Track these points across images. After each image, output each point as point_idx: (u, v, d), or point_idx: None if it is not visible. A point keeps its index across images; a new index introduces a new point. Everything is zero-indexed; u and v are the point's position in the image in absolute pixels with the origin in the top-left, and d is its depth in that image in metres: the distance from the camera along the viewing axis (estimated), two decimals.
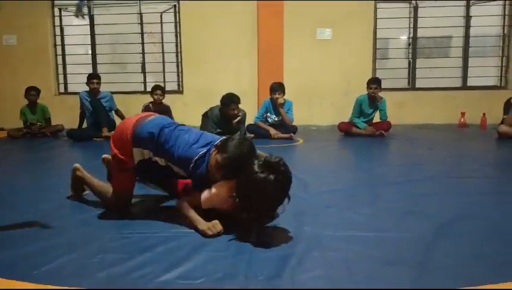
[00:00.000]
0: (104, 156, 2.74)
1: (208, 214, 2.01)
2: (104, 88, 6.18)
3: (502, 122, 5.46)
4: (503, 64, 7.32)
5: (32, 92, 6.22)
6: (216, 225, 1.93)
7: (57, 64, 7.71)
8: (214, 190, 2.00)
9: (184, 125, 2.28)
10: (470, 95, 7.25)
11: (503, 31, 7.27)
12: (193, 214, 2.00)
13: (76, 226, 2.14)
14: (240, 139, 2.03)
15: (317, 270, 1.57)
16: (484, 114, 6.68)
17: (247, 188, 1.85)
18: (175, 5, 7.41)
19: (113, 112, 6.16)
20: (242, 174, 1.88)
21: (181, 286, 1.45)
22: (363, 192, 2.81)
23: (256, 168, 1.83)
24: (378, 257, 1.69)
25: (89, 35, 7.61)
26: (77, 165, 2.57)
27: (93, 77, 5.95)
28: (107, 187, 2.41)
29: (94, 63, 7.68)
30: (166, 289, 1.44)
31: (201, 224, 1.95)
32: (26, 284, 1.47)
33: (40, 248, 1.80)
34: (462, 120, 6.88)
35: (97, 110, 5.85)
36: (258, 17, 7.12)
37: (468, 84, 7.41)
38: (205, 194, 2.01)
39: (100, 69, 7.57)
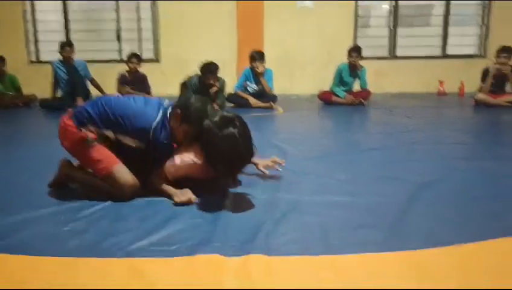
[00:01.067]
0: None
1: (180, 184, 1.99)
2: (78, 56, 5.96)
3: (479, 90, 5.53)
4: (483, 33, 7.35)
5: None
6: (186, 193, 1.91)
7: (27, 32, 7.38)
8: (180, 159, 1.96)
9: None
10: (449, 64, 7.29)
11: None
12: (164, 186, 1.97)
13: (46, 195, 2.07)
14: (200, 102, 1.98)
15: (291, 234, 1.58)
16: (462, 82, 6.75)
17: (210, 147, 1.83)
18: None
19: (87, 81, 5.97)
20: (203, 136, 1.85)
21: (154, 253, 1.44)
22: (340, 159, 2.82)
23: (214, 126, 1.81)
24: (352, 220, 1.71)
25: (61, 1, 7.28)
26: (65, 159, 2.15)
27: (66, 45, 5.72)
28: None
29: (67, 30, 7.38)
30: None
31: (174, 193, 1.93)
32: None
33: (11, 221, 1.75)
34: (440, 88, 6.95)
35: (72, 79, 5.65)
36: None
37: (447, 53, 7.43)
38: (172, 165, 1.98)
39: (74, 36, 7.29)
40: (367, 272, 1.32)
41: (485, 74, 5.51)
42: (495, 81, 5.41)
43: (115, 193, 1.94)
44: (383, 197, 1.98)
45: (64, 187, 2.14)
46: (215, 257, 1.40)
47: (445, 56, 7.42)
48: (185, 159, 1.96)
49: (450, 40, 7.41)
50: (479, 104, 5.39)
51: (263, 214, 1.77)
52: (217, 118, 1.84)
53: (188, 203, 1.88)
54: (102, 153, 1.97)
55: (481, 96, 5.42)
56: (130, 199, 1.95)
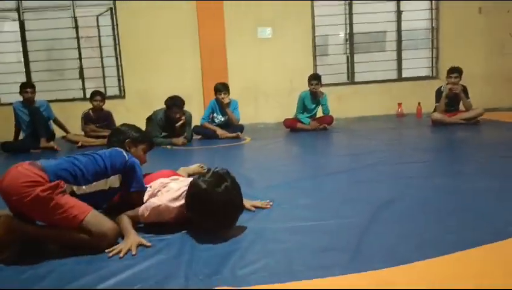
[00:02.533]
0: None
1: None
2: (41, 96, 5.89)
3: (434, 110, 5.80)
4: (434, 56, 7.77)
5: None
6: (131, 242, 1.80)
7: None
8: (154, 204, 1.97)
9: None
10: (405, 86, 7.63)
11: (432, 24, 7.71)
12: (128, 225, 1.93)
13: None
14: (125, 125, 2.47)
15: (257, 263, 1.60)
16: (419, 103, 7.06)
17: (207, 205, 1.85)
18: (111, 8, 7.19)
19: (51, 121, 5.87)
20: (197, 195, 1.88)
21: None
22: (305, 184, 2.89)
23: (209, 185, 1.85)
24: (316, 245, 1.75)
25: (20, 42, 7.20)
26: (5, 214, 1.82)
27: (27, 86, 5.63)
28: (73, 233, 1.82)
29: (27, 71, 7.28)
30: None
31: (126, 238, 1.86)
32: None
33: None
34: (399, 110, 7.25)
35: (34, 120, 5.54)
36: (197, 17, 7.08)
37: (403, 76, 7.79)
38: (145, 208, 1.98)
39: (35, 77, 7.19)
40: None
41: (439, 94, 5.80)
42: (448, 101, 5.71)
43: (93, 241, 1.77)
44: (346, 219, 2.03)
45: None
46: None
47: (401, 79, 7.77)
48: (158, 203, 1.96)
49: (405, 64, 7.79)
50: (435, 124, 5.64)
51: (228, 245, 1.78)
52: (209, 177, 1.89)
53: (126, 252, 1.75)
54: (74, 201, 1.83)
55: (437, 115, 5.68)
56: (109, 245, 1.78)
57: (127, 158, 2.07)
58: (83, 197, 1.89)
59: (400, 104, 7.24)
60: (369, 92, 7.60)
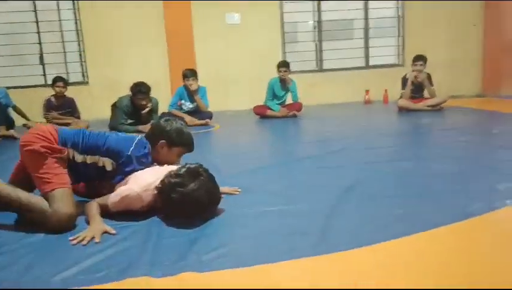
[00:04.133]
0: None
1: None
2: (1, 83, 5.61)
3: (400, 97, 5.93)
4: (399, 44, 7.92)
5: None
6: (97, 229, 1.77)
7: None
8: (126, 192, 1.91)
9: None
10: (373, 74, 7.77)
11: (398, 13, 7.84)
12: (94, 213, 1.88)
13: None
14: (173, 123, 2.23)
15: (223, 248, 1.58)
16: (386, 90, 7.21)
17: (182, 202, 1.83)
18: None
19: (10, 108, 5.62)
20: (168, 191, 1.85)
21: (81, 282, 1.38)
22: (273, 170, 2.89)
23: (183, 182, 1.84)
24: (283, 229, 1.76)
25: None
26: None
27: None
28: (38, 199, 1.87)
29: None
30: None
31: (90, 224, 1.82)
32: None
33: None
34: (366, 97, 7.38)
35: None
36: (163, 3, 6.93)
37: (370, 64, 7.92)
38: (115, 196, 1.93)
39: None
40: (298, 277, 1.36)
41: (404, 81, 5.94)
42: (414, 88, 5.85)
43: (48, 217, 1.79)
44: (313, 204, 2.05)
45: None
46: (145, 279, 1.37)
47: (368, 67, 7.89)
48: (129, 191, 1.90)
49: (372, 52, 7.90)
50: (401, 110, 5.77)
51: (194, 232, 1.76)
52: (182, 172, 1.87)
53: (90, 239, 1.70)
54: (60, 171, 1.92)
55: (402, 102, 5.82)
56: (61, 229, 1.79)
57: (128, 153, 2.02)
58: (81, 166, 2.01)
59: (367, 91, 7.36)
60: (337, 80, 7.68)
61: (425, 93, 5.93)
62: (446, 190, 2.20)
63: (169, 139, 2.18)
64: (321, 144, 3.86)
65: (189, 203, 1.83)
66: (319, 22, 7.69)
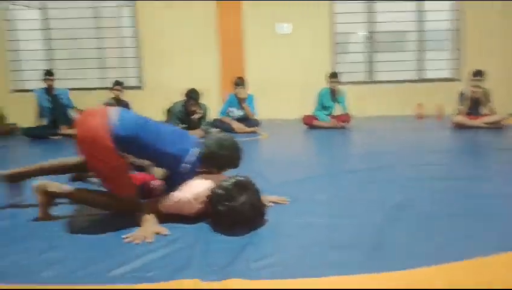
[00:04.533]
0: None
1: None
2: (62, 84, 5.97)
3: (457, 113, 5.68)
4: (456, 57, 7.62)
5: None
6: (149, 230, 1.84)
7: (9, 61, 7.37)
8: (179, 196, 1.97)
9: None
10: (426, 87, 7.50)
11: (454, 26, 7.55)
12: (147, 213, 1.95)
13: (23, 224, 2.05)
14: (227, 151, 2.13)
15: (271, 257, 1.59)
16: (440, 105, 6.94)
17: (226, 214, 1.87)
18: None
19: (70, 109, 5.96)
20: (218, 202, 1.89)
21: (132, 280, 1.43)
22: (321, 181, 2.86)
23: (230, 195, 1.87)
24: (330, 242, 1.74)
25: (43, 30, 7.33)
26: (41, 182, 2.06)
27: (48, 74, 5.74)
28: (104, 197, 2.08)
29: (50, 59, 7.40)
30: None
31: (142, 225, 1.89)
32: None
33: None
34: (418, 111, 7.13)
35: (55, 108, 5.65)
36: (217, 12, 7.10)
37: (424, 77, 7.66)
38: (168, 199, 1.99)
39: (58, 65, 7.31)
40: None
41: (461, 96, 5.69)
42: (471, 104, 5.59)
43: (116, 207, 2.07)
44: (360, 218, 2.01)
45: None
46: (193, 281, 1.40)
47: (421, 80, 7.65)
48: (182, 197, 1.96)
49: (426, 65, 7.65)
50: (457, 126, 5.53)
51: (243, 238, 1.78)
52: (231, 184, 1.90)
53: (142, 240, 1.78)
54: (127, 177, 2.06)
55: (458, 118, 5.57)
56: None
57: (185, 164, 2.00)
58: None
59: (419, 105, 7.12)
60: (388, 92, 7.50)
61: (484, 110, 5.65)
62: (504, 213, 2.08)
63: (220, 166, 2.14)
64: (370, 157, 3.78)
65: (234, 216, 1.86)
66: (372, 33, 7.56)
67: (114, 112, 1.99)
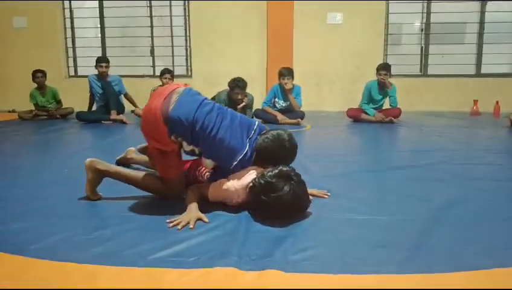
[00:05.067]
0: (139, 146, 2.80)
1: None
2: (113, 71, 6.21)
3: None
4: None
5: (38, 75, 6.24)
6: (192, 215, 1.87)
7: (67, 48, 7.75)
8: (226, 184, 2.01)
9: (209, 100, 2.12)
10: (484, 83, 7.11)
11: None
12: (192, 199, 1.98)
13: (75, 204, 2.16)
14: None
15: (309, 251, 1.58)
16: (497, 102, 6.55)
17: (268, 204, 1.87)
18: None
19: (122, 95, 6.19)
20: (259, 191, 1.89)
21: (173, 264, 1.47)
22: (364, 177, 2.80)
23: (272, 184, 1.86)
24: (371, 239, 1.69)
25: (98, 18, 7.63)
26: (92, 159, 2.16)
27: (102, 61, 5.96)
28: (149, 177, 2.18)
29: (103, 46, 7.71)
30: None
31: (187, 210, 1.92)
32: (24, 259, 1.51)
33: (36, 224, 1.85)
34: (474, 108, 6.76)
35: (106, 94, 5.88)
36: (266, 2, 7.06)
37: (481, 72, 7.25)
38: (215, 185, 2.03)
39: (110, 52, 7.60)
40: None
41: None
42: None
43: (163, 191, 2.16)
44: (404, 217, 1.95)
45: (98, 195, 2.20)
46: (231, 270, 1.42)
47: (479, 75, 7.24)
48: (230, 186, 2.00)
49: (484, 59, 7.23)
50: None
51: (282, 230, 1.78)
52: (275, 175, 1.88)
53: (185, 224, 1.82)
54: (176, 160, 2.14)
55: None
56: (175, 195, 2.16)
57: (239, 158, 2.02)
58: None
59: (475, 102, 6.75)
60: (442, 87, 7.18)
61: None
62: None
63: (275, 162, 2.01)
64: (418, 154, 3.64)
65: (277, 207, 1.85)
66: (427, 24, 7.23)
67: (175, 94, 2.01)
